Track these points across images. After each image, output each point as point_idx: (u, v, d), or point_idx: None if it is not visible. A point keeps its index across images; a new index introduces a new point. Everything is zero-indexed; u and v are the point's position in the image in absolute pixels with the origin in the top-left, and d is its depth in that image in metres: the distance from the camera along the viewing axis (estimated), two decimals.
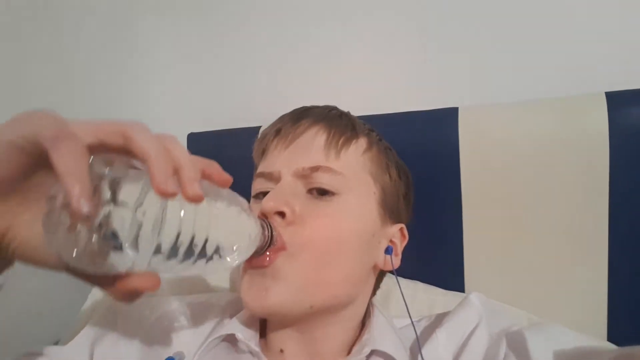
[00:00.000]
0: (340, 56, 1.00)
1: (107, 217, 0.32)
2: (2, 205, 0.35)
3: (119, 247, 0.33)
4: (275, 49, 1.04)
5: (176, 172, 0.34)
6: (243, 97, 1.10)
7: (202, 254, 0.38)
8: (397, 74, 0.96)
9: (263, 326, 0.60)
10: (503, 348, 0.53)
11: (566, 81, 0.83)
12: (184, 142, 1.02)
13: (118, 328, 0.58)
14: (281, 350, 0.57)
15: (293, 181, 0.56)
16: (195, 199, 0.34)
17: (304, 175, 0.56)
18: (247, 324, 0.58)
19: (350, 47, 0.99)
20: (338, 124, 0.60)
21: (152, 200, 0.34)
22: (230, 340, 0.58)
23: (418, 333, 0.58)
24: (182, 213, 0.35)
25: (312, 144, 0.58)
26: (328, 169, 0.56)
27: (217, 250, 0.40)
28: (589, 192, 0.75)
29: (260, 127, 0.96)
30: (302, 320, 0.56)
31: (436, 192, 0.81)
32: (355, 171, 0.58)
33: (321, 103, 0.97)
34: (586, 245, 0.76)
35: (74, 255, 0.32)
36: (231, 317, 0.61)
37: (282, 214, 0.53)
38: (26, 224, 0.36)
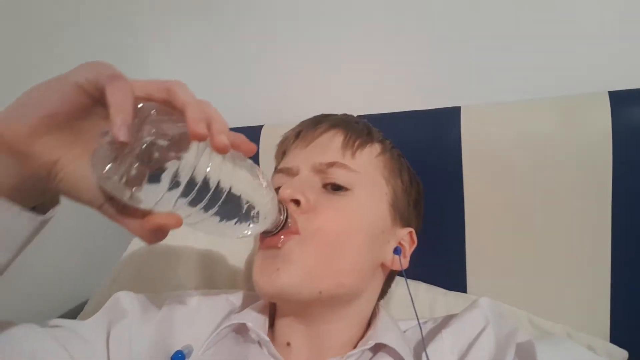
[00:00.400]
0: (343, 56, 0.99)
1: (147, 149, 0.37)
2: (57, 139, 0.39)
3: (153, 178, 0.38)
4: (277, 49, 1.04)
5: (208, 125, 0.38)
6: (243, 97, 1.09)
7: (222, 209, 0.42)
8: (399, 73, 0.96)
9: (272, 320, 0.62)
10: (511, 355, 0.53)
11: (569, 80, 0.82)
12: None
13: (132, 314, 0.61)
14: (288, 344, 0.59)
15: (310, 175, 0.60)
16: (223, 148, 0.39)
17: (321, 170, 0.60)
18: (257, 316, 0.60)
19: (352, 46, 0.99)
20: (355, 128, 0.65)
21: (188, 146, 0.39)
22: (239, 331, 0.61)
23: (423, 334, 0.58)
24: (210, 165, 0.40)
25: (330, 144, 0.62)
26: (343, 166, 0.60)
27: (235, 208, 0.44)
28: (592, 191, 0.75)
29: (261, 126, 0.96)
30: (309, 310, 0.58)
31: (438, 191, 0.80)
32: (369, 171, 0.62)
33: (323, 103, 0.97)
34: (589, 245, 0.76)
35: (113, 180, 0.37)
36: (240, 311, 0.63)
37: (297, 202, 0.57)
38: (73, 158, 0.40)
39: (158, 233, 0.41)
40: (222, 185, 0.41)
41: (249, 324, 0.58)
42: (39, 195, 0.43)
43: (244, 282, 0.85)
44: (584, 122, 0.76)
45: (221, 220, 0.43)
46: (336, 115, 0.68)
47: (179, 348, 0.58)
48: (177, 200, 0.39)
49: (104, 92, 0.37)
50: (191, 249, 0.88)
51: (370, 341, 0.56)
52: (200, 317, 0.63)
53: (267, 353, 0.58)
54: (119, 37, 1.00)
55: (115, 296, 0.62)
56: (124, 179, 0.37)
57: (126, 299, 0.62)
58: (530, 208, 0.79)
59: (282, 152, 0.69)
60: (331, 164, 0.59)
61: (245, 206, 0.45)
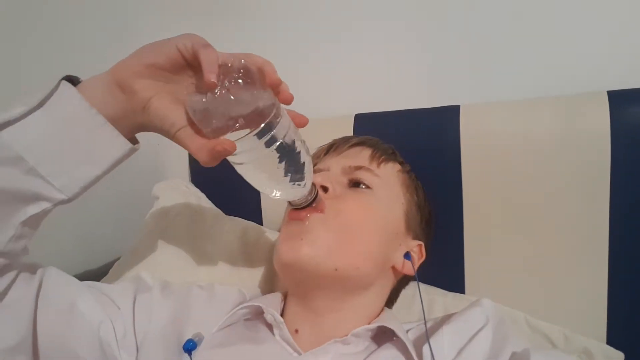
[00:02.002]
0: (343, 55, 1.00)
1: (227, 91, 0.48)
2: (153, 83, 0.51)
3: (226, 111, 0.48)
4: (277, 49, 1.04)
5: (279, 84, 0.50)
6: None
7: (282, 155, 0.51)
8: (399, 72, 0.96)
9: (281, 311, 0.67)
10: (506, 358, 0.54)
11: (568, 80, 0.82)
12: None
13: (154, 290, 0.66)
14: (296, 330, 0.62)
15: (339, 174, 0.67)
16: (289, 97, 0.51)
17: (349, 172, 0.67)
18: (271, 302, 0.65)
19: (353, 46, 0.99)
20: (382, 146, 0.72)
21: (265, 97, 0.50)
22: (251, 319, 0.66)
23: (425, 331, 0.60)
24: (281, 117, 0.50)
25: (359, 155, 0.70)
26: (369, 170, 0.67)
27: (291, 160, 0.51)
28: (590, 191, 0.75)
29: None
30: (319, 295, 0.62)
31: (437, 190, 0.80)
32: (390, 179, 0.69)
33: (323, 102, 0.97)
34: (587, 245, 0.76)
35: (198, 107, 0.48)
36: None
37: (325, 190, 0.63)
38: (161, 98, 0.52)
39: (215, 155, 0.49)
40: (288, 136, 0.50)
41: (264, 306, 0.62)
42: (130, 132, 0.55)
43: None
44: (582, 121, 0.76)
45: (280, 160, 0.51)
46: (366, 136, 0.76)
47: (190, 335, 0.61)
48: (247, 134, 0.48)
49: (197, 55, 0.49)
50: (217, 212, 0.91)
51: (375, 324, 0.60)
52: (214, 303, 0.68)
53: (278, 337, 0.61)
54: (119, 37, 1.01)
55: (137, 274, 0.68)
56: (204, 112, 0.48)
57: (148, 277, 0.68)
58: (528, 208, 0.79)
59: (314, 163, 0.74)
60: (358, 167, 0.66)
61: (299, 163, 0.52)
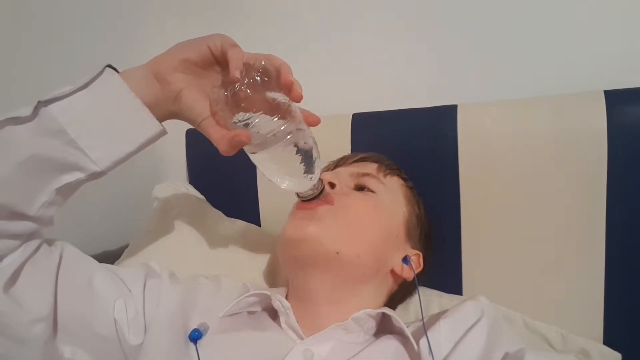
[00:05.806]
0: (341, 55, 1.00)
1: (248, 86, 0.53)
2: (185, 76, 0.58)
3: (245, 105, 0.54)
4: (276, 48, 1.03)
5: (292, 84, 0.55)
6: None
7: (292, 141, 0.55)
8: (397, 71, 0.96)
9: None
10: (498, 358, 0.54)
11: (565, 79, 0.82)
12: (183, 140, 1.04)
13: (163, 277, 0.68)
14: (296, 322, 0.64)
15: (347, 178, 0.71)
16: (298, 96, 0.54)
17: (356, 177, 0.71)
18: (276, 291, 0.68)
19: (351, 45, 0.99)
20: (387, 162, 0.76)
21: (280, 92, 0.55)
22: (256, 309, 0.69)
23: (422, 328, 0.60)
24: (295, 113, 0.55)
25: (366, 166, 0.74)
26: (375, 177, 0.71)
27: (304, 149, 0.56)
28: (587, 190, 0.75)
29: None
30: (319, 285, 0.64)
31: (434, 189, 0.81)
32: (394, 189, 0.72)
33: (321, 101, 0.97)
34: (584, 245, 0.76)
35: (221, 100, 0.54)
36: None
37: (333, 186, 0.67)
38: (192, 89, 0.59)
39: (233, 144, 0.55)
40: (299, 129, 0.55)
41: (270, 294, 0.65)
42: (160, 118, 0.60)
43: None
44: (579, 120, 0.76)
45: (296, 150, 0.55)
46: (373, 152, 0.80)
47: (196, 324, 0.62)
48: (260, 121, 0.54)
49: (225, 53, 0.55)
50: (217, 213, 0.91)
51: (376, 311, 0.62)
52: (220, 294, 0.70)
53: (284, 324, 0.64)
54: (119, 37, 1.01)
55: (145, 262, 0.70)
56: (229, 101, 0.53)
57: (156, 265, 0.70)
58: (525, 206, 0.78)
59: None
60: (365, 174, 0.70)
61: (308, 155, 0.56)
